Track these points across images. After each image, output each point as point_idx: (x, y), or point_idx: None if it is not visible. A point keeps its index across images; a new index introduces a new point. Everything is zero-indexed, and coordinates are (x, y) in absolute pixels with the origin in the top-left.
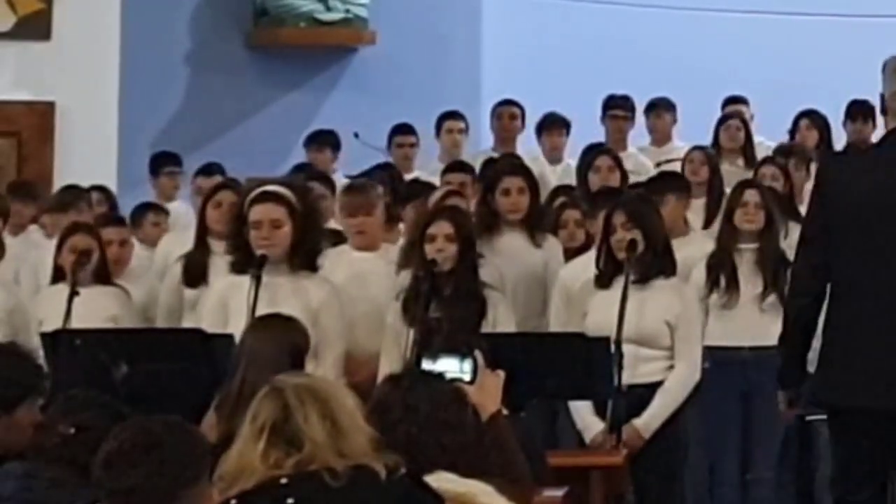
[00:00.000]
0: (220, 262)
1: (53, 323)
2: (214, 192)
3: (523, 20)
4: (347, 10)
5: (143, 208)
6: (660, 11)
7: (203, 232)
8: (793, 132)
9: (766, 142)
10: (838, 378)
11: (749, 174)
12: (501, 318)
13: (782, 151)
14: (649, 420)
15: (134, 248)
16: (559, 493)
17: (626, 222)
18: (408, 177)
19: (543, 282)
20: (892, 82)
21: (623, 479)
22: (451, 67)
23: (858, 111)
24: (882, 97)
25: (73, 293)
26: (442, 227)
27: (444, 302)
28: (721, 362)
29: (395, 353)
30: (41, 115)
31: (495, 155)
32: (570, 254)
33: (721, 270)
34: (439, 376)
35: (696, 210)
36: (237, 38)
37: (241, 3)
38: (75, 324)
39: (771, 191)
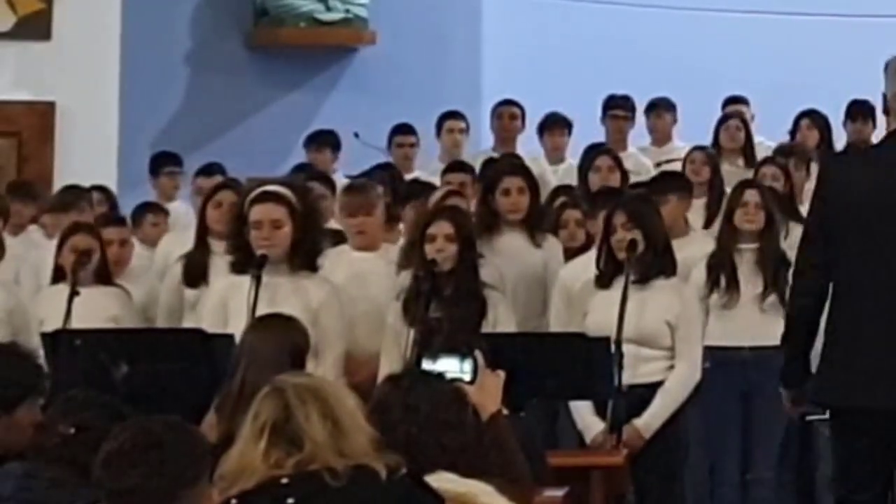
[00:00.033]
0: (220, 262)
1: (54, 323)
2: (214, 192)
3: (523, 20)
4: (347, 10)
5: (144, 208)
6: (660, 11)
7: (203, 232)
8: (793, 132)
9: (766, 142)
10: (839, 378)
11: (749, 174)
12: (501, 318)
13: (782, 151)
14: (650, 420)
15: (134, 248)
16: (559, 493)
17: (627, 222)
18: (408, 177)
19: (543, 282)
20: (894, 82)
21: (623, 480)
22: (451, 67)
23: (859, 111)
24: (884, 97)
25: (74, 293)
26: (442, 227)
27: (444, 302)
28: (721, 362)
29: (396, 353)
30: (41, 115)
31: (495, 155)
32: (571, 254)
33: (721, 270)
34: (439, 376)
35: (696, 210)
36: (237, 38)
37: (241, 3)
38: (75, 324)
39: (771, 191)
